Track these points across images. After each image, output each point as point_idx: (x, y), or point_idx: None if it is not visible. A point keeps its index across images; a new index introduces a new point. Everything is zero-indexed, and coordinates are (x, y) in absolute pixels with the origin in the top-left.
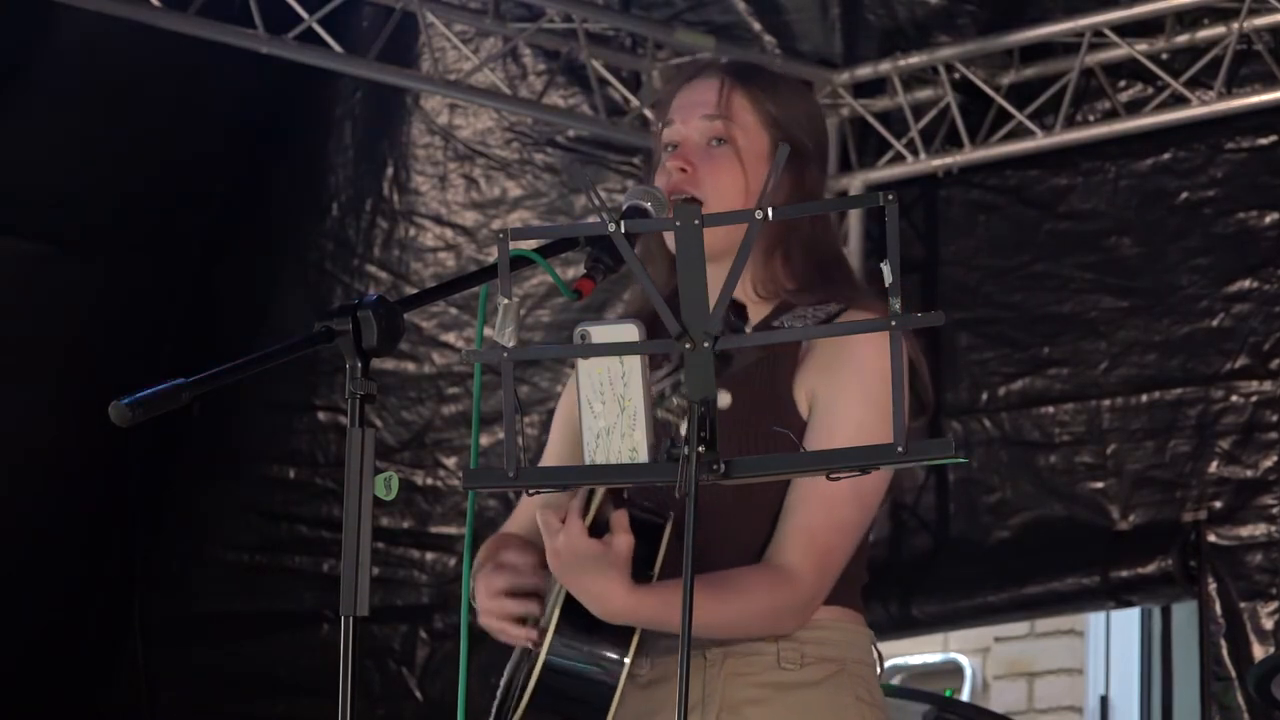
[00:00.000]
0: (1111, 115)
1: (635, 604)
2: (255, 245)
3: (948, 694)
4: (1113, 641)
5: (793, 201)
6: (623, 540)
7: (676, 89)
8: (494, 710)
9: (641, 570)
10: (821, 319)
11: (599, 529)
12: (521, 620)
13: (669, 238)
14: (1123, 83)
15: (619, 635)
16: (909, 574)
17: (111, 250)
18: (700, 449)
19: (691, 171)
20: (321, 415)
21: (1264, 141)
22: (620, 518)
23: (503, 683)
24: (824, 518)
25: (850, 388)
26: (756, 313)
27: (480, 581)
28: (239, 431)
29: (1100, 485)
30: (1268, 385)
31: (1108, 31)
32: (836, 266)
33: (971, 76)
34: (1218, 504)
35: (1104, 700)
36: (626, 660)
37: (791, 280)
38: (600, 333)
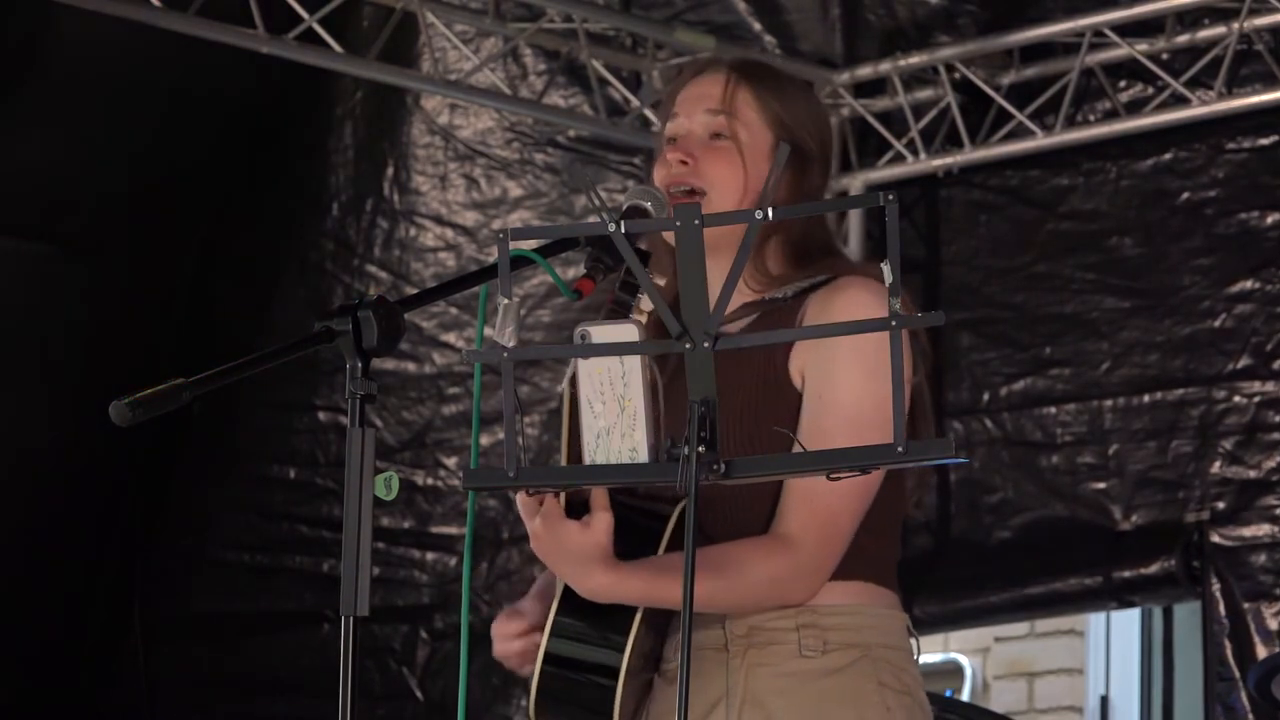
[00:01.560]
0: (1112, 115)
1: (616, 580)
2: (255, 245)
3: (948, 694)
4: (1113, 641)
5: (792, 201)
6: (601, 518)
7: (681, 85)
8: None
9: (647, 550)
10: (804, 288)
11: (577, 507)
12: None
13: (671, 237)
14: (1123, 83)
15: (617, 625)
16: (910, 574)
17: (112, 250)
18: (700, 449)
19: (692, 164)
20: (322, 415)
21: (1265, 142)
22: (599, 495)
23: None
24: (825, 482)
25: (842, 353)
26: (741, 296)
27: (494, 627)
28: (239, 431)
29: (1102, 485)
30: (1270, 386)
31: (1108, 31)
32: (821, 250)
33: (972, 76)
34: (1221, 504)
35: (1104, 700)
36: (626, 648)
37: (779, 266)
38: (600, 333)
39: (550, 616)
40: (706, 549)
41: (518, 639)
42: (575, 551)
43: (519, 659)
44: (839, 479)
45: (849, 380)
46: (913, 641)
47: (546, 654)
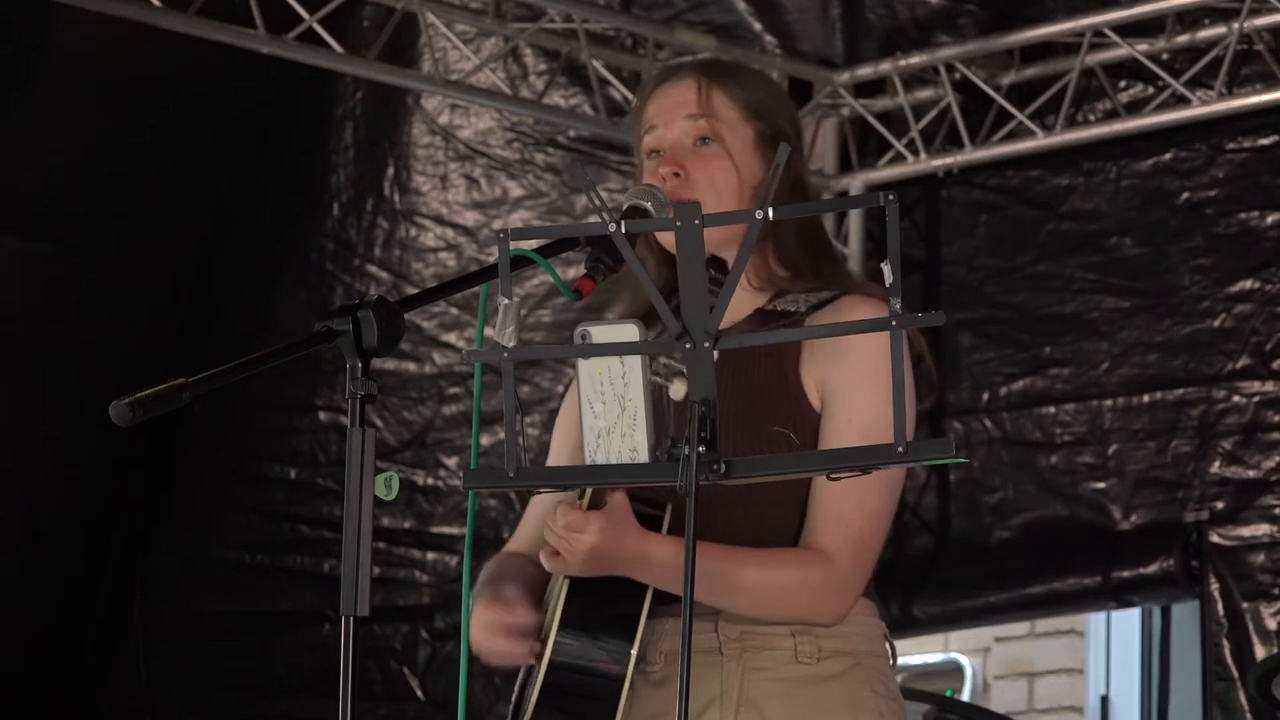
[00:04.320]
0: (1112, 115)
1: (659, 547)
2: (255, 245)
3: (948, 694)
4: (1113, 641)
5: (786, 190)
6: (618, 495)
7: (649, 96)
8: (510, 713)
9: None
10: (814, 304)
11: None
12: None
13: (662, 236)
14: (1123, 83)
15: (623, 626)
16: (911, 574)
17: (111, 250)
18: (700, 449)
19: (684, 175)
20: (322, 415)
21: (1265, 142)
22: (609, 492)
23: (517, 685)
24: (856, 506)
25: (860, 375)
26: (752, 302)
27: (475, 611)
28: (239, 431)
29: (1102, 485)
30: (1270, 385)
31: (1108, 31)
32: (825, 252)
33: (972, 76)
34: (1220, 504)
35: (1104, 700)
36: (632, 653)
37: (783, 268)
38: (600, 333)
39: (554, 627)
40: (740, 547)
41: (502, 636)
42: (599, 538)
43: (498, 655)
44: (839, 478)
45: (872, 404)
46: (888, 647)
47: (551, 661)
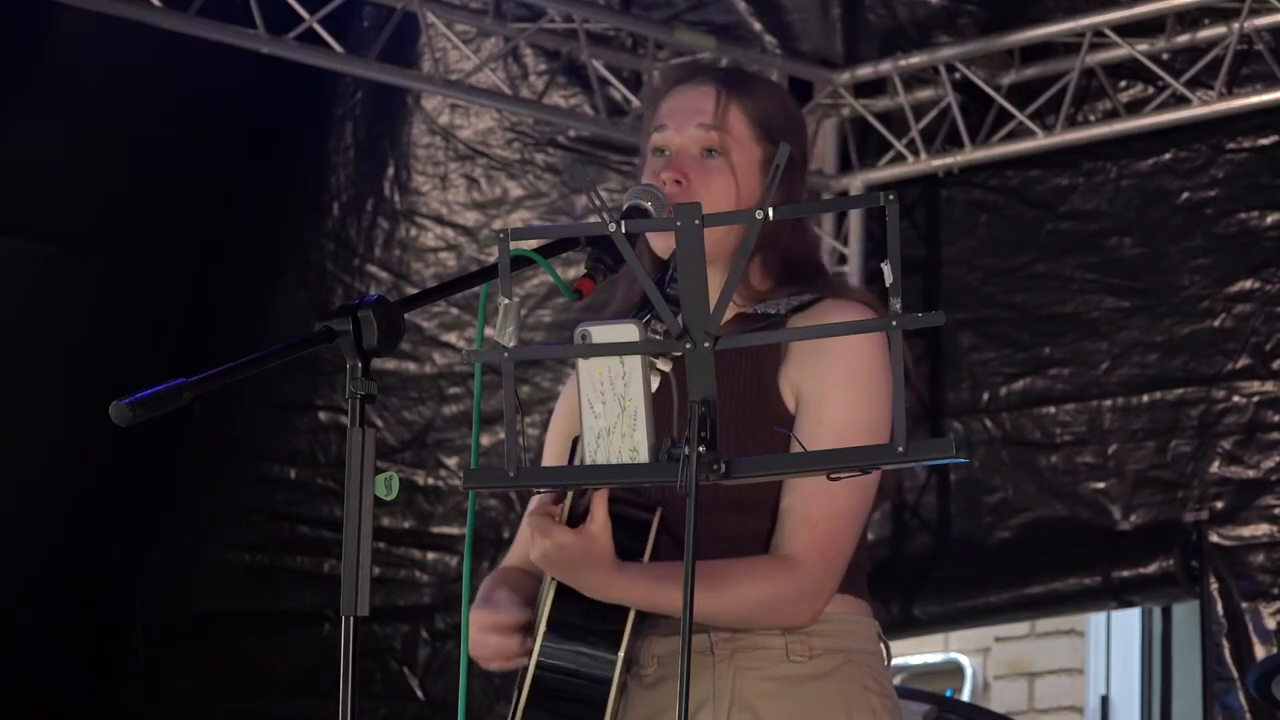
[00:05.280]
0: (1112, 115)
1: (625, 586)
2: (255, 245)
3: (948, 694)
4: (1113, 641)
5: (783, 203)
6: (596, 527)
7: (667, 91)
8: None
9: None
10: (794, 307)
11: (578, 520)
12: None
13: (653, 237)
14: (1123, 83)
15: (610, 630)
16: (911, 574)
17: (111, 250)
18: (700, 449)
19: (686, 184)
20: (322, 415)
21: (1265, 141)
22: (596, 504)
23: (515, 688)
24: (823, 506)
25: (834, 377)
26: (733, 307)
27: (470, 619)
28: (239, 431)
29: (1102, 485)
30: (1269, 385)
31: (1108, 31)
32: (808, 265)
33: (972, 76)
34: (1219, 504)
35: (1104, 700)
36: (619, 656)
37: (764, 281)
38: (601, 333)
39: (541, 628)
40: (710, 563)
41: (494, 634)
42: (583, 569)
43: (493, 655)
44: (839, 478)
45: (844, 407)
46: (882, 647)
47: (539, 662)
